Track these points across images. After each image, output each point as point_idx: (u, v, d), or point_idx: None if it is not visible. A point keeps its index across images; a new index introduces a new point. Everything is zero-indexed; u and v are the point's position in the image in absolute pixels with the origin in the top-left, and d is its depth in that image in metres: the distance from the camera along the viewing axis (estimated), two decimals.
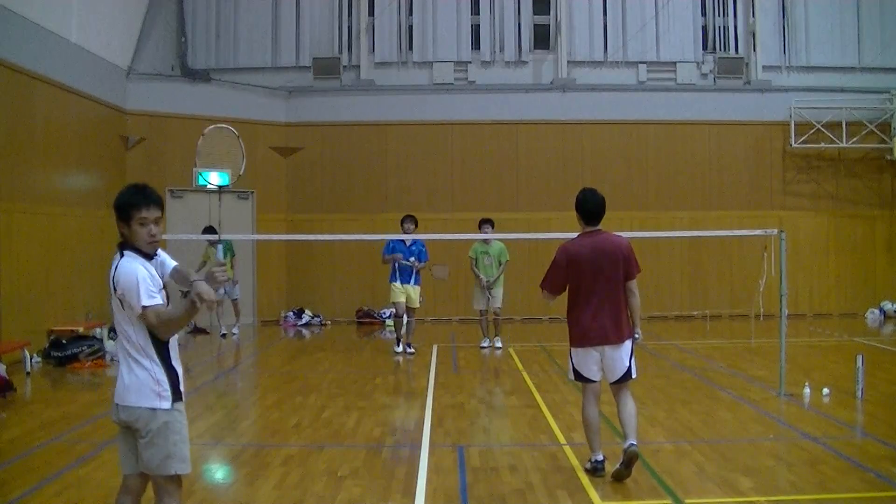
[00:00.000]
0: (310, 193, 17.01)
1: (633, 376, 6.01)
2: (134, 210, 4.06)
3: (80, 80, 13.37)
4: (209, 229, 14.35)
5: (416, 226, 12.01)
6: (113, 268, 4.00)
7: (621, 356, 5.94)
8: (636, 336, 6.05)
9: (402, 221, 12.01)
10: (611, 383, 6.02)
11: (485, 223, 12.43)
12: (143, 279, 3.91)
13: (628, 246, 6.02)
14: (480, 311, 12.66)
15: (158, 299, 3.94)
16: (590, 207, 5.99)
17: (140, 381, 3.94)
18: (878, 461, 6.30)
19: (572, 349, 6.04)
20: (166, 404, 3.94)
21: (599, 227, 6.03)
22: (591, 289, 5.89)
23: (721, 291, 16.85)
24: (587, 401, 6.03)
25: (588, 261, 5.89)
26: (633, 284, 6.03)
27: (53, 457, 6.67)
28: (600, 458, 5.99)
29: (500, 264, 12.47)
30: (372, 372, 10.87)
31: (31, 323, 11.60)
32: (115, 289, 3.94)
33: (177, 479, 4.02)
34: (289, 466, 6.37)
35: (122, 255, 4.04)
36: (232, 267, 14.90)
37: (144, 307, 3.87)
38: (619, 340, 5.92)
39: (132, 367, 3.96)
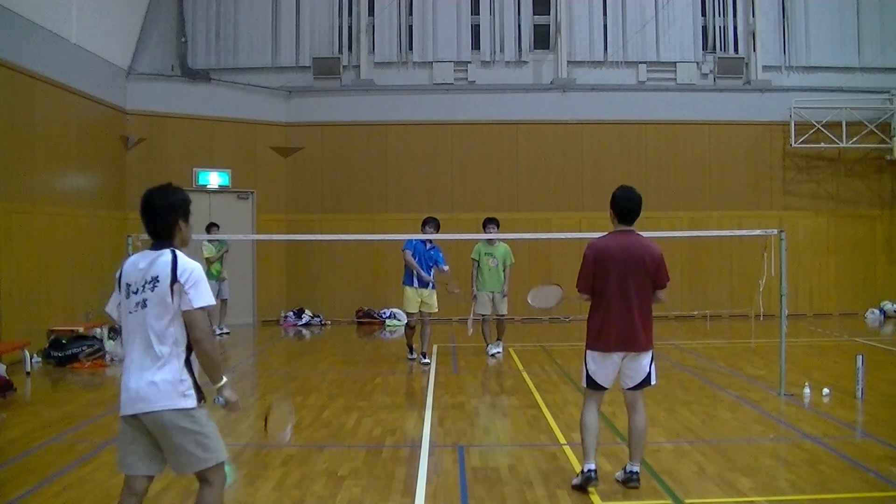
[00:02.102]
0: (310, 193, 17.00)
1: (653, 383, 5.82)
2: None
3: (80, 80, 13.37)
4: (212, 226, 14.44)
5: (438, 229, 11.31)
6: (168, 259, 3.95)
7: (643, 363, 5.70)
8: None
9: (425, 223, 11.27)
10: (627, 389, 5.77)
11: (490, 223, 11.81)
12: (205, 278, 4.03)
13: (660, 253, 5.73)
14: (483, 315, 12.00)
15: None
16: (626, 206, 5.74)
17: (167, 384, 3.91)
18: (878, 461, 6.30)
19: (590, 352, 5.70)
20: (191, 403, 3.96)
21: (633, 227, 5.78)
22: (618, 291, 5.59)
23: (721, 291, 16.85)
24: (589, 406, 5.74)
25: (616, 261, 5.61)
26: (664, 294, 5.75)
27: (53, 457, 6.67)
28: (593, 467, 5.66)
29: (505, 267, 11.90)
30: (372, 372, 10.87)
31: (31, 323, 11.60)
32: (177, 279, 3.91)
33: (220, 468, 4.09)
34: (289, 466, 6.37)
35: (172, 252, 4.00)
36: (222, 265, 14.90)
37: (205, 305, 3.95)
38: (645, 348, 5.67)
39: (158, 370, 3.91)
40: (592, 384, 5.73)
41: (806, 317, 16.76)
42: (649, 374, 5.75)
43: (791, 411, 8.21)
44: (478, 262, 12.00)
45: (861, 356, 8.68)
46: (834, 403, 8.44)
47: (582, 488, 5.67)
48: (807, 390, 8.75)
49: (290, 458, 6.62)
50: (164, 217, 4.03)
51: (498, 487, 5.82)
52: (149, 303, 3.93)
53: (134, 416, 3.96)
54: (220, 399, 4.06)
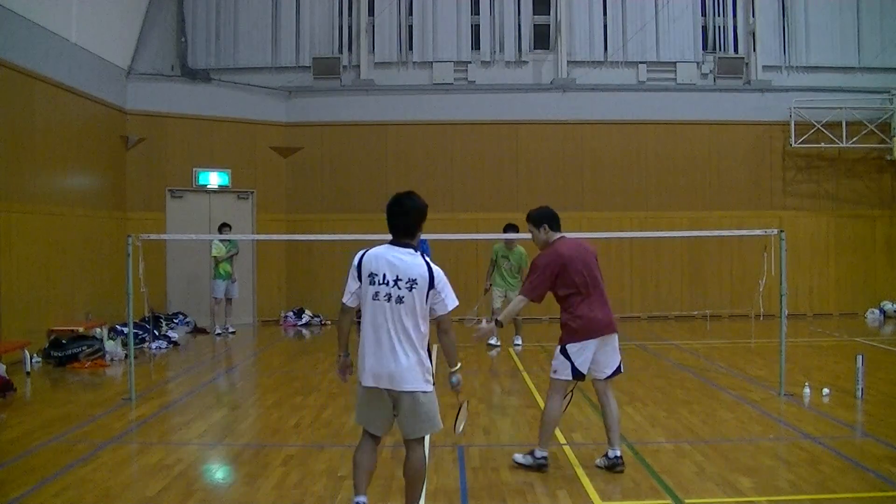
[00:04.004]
0: (310, 193, 17.00)
1: (622, 370, 6.29)
2: None
3: (80, 80, 13.37)
4: (224, 226, 14.50)
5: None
6: (424, 266, 4.66)
7: (615, 348, 6.18)
8: None
9: None
10: (602, 380, 6.19)
11: (510, 228, 12.23)
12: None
13: (593, 247, 6.42)
14: (495, 309, 12.67)
15: None
16: (554, 216, 6.33)
17: (417, 368, 4.64)
18: (878, 461, 6.30)
19: (572, 344, 6.04)
20: (430, 387, 4.73)
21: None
22: (589, 283, 6.07)
23: (721, 291, 16.84)
24: (561, 397, 6.15)
25: (578, 259, 6.10)
26: None
27: (53, 457, 6.67)
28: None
29: (519, 270, 12.57)
30: None
31: (31, 323, 11.60)
32: (434, 286, 4.64)
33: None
34: (289, 466, 6.37)
35: (424, 257, 4.73)
36: (232, 265, 14.98)
37: (455, 306, 4.72)
38: (617, 329, 6.20)
39: (413, 357, 4.63)
40: (579, 375, 6.10)
41: (806, 317, 16.76)
42: (619, 361, 6.24)
43: (791, 411, 8.21)
44: (495, 260, 12.87)
45: (861, 356, 8.68)
46: (834, 403, 8.44)
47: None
48: (807, 390, 8.75)
49: (290, 458, 6.62)
50: (414, 217, 4.79)
51: (498, 487, 5.82)
52: (405, 300, 4.61)
53: (379, 389, 4.68)
54: (456, 378, 4.89)
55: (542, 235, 6.27)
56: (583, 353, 6.04)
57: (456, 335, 4.84)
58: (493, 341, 12.68)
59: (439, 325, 4.74)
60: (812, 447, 6.76)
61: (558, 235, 6.26)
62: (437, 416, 4.84)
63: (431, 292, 4.64)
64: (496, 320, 6.34)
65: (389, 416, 4.81)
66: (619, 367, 6.22)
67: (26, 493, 5.69)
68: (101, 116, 14.37)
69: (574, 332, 6.06)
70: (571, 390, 6.35)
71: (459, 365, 4.89)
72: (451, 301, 4.72)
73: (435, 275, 4.66)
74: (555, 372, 6.16)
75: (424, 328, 4.68)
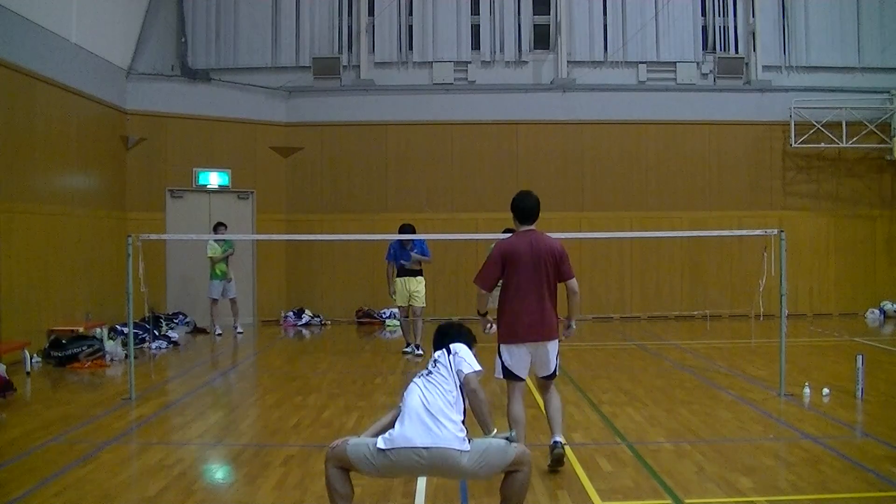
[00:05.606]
0: (310, 193, 17.00)
1: (557, 374, 6.30)
2: None
3: (80, 80, 13.36)
4: (220, 225, 14.49)
5: (414, 232, 12.04)
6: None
7: (550, 353, 6.13)
8: (571, 325, 6.33)
9: (401, 229, 11.99)
10: (540, 377, 6.26)
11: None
12: None
13: (562, 248, 6.18)
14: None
15: None
16: (524, 206, 6.21)
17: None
18: (878, 461, 6.30)
19: (503, 346, 6.12)
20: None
21: (534, 227, 6.21)
22: (527, 285, 6.01)
23: (721, 291, 16.83)
24: (515, 399, 6.11)
25: (526, 257, 6.02)
26: (575, 283, 6.18)
27: (53, 457, 6.66)
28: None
29: None
30: (372, 372, 10.87)
31: (31, 323, 11.60)
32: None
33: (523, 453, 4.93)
34: (289, 466, 6.37)
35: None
36: (228, 265, 14.94)
37: None
38: (550, 338, 6.10)
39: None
40: (510, 375, 6.13)
41: (806, 317, 16.76)
42: (556, 365, 6.24)
43: (791, 411, 8.21)
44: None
45: (861, 356, 8.67)
46: (834, 403, 8.43)
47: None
48: (807, 390, 8.75)
49: (290, 458, 6.62)
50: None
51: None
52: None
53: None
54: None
55: (515, 224, 6.31)
56: (510, 355, 6.10)
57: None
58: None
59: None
60: (812, 447, 6.76)
61: (525, 228, 6.19)
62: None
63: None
64: (478, 312, 6.25)
65: None
66: (554, 371, 6.22)
67: (26, 493, 5.69)
68: (101, 116, 14.36)
69: (501, 333, 6.12)
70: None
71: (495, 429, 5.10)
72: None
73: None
74: (495, 371, 6.28)
75: None
